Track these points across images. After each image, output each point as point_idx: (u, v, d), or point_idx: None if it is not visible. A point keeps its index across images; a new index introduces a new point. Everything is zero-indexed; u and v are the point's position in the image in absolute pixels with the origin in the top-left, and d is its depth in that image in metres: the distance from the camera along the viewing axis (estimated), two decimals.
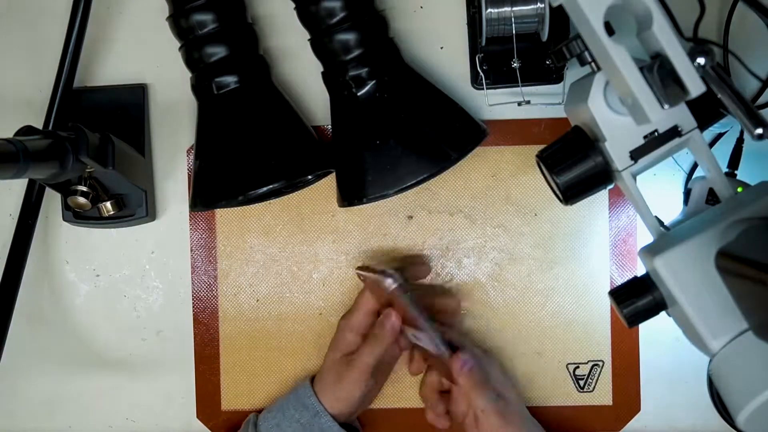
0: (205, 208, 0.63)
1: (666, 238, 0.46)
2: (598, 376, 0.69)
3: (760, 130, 0.42)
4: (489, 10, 0.60)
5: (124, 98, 0.69)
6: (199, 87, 0.63)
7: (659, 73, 0.42)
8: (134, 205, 0.68)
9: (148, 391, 0.72)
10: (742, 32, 0.66)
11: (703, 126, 0.49)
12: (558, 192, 0.52)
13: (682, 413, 0.70)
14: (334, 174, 0.66)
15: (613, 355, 0.69)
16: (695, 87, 0.41)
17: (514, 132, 0.69)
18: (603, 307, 0.69)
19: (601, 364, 0.69)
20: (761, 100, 0.67)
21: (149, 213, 0.68)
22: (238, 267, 0.71)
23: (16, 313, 0.64)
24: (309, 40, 0.63)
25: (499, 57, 0.65)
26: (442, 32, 0.68)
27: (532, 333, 0.70)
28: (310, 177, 0.66)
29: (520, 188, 0.69)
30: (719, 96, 0.45)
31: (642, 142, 0.48)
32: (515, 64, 0.64)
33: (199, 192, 0.63)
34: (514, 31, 0.61)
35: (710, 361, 0.43)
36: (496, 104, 0.68)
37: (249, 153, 0.61)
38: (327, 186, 0.69)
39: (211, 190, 0.62)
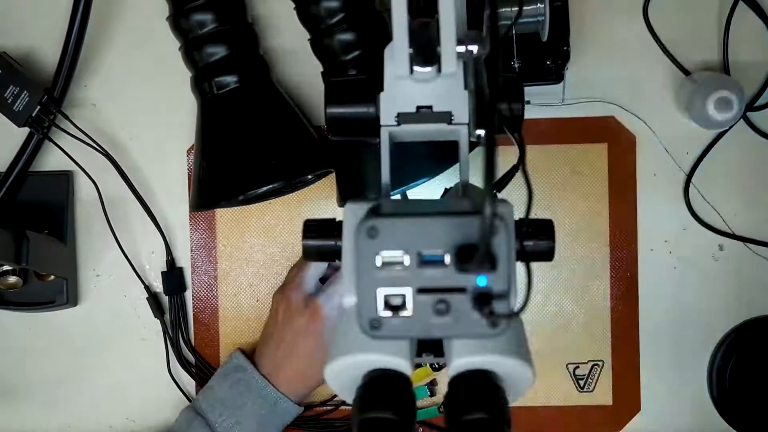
0: (205, 208, 0.63)
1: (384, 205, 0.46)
2: (598, 376, 0.69)
3: (479, 132, 0.43)
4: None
5: (48, 188, 0.69)
6: (199, 87, 0.63)
7: (426, 34, 0.40)
8: (55, 292, 0.68)
9: (148, 391, 0.72)
10: (742, 32, 0.66)
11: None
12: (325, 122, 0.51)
13: (682, 413, 0.70)
14: (334, 174, 0.66)
15: (613, 355, 0.69)
16: (448, 65, 0.41)
17: None
18: (603, 307, 0.69)
19: (601, 364, 0.69)
20: (761, 100, 0.67)
21: (70, 300, 0.69)
22: (238, 267, 0.71)
23: (16, 313, 0.64)
24: (309, 40, 0.63)
25: None
26: None
27: (532, 333, 0.69)
28: (310, 177, 0.66)
29: (520, 188, 0.69)
30: (466, 88, 0.45)
31: (413, 110, 0.48)
32: (515, 64, 0.64)
33: (199, 192, 0.63)
34: (514, 31, 0.61)
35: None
36: None
37: (249, 153, 0.61)
38: (327, 186, 0.69)
39: (211, 190, 0.62)
